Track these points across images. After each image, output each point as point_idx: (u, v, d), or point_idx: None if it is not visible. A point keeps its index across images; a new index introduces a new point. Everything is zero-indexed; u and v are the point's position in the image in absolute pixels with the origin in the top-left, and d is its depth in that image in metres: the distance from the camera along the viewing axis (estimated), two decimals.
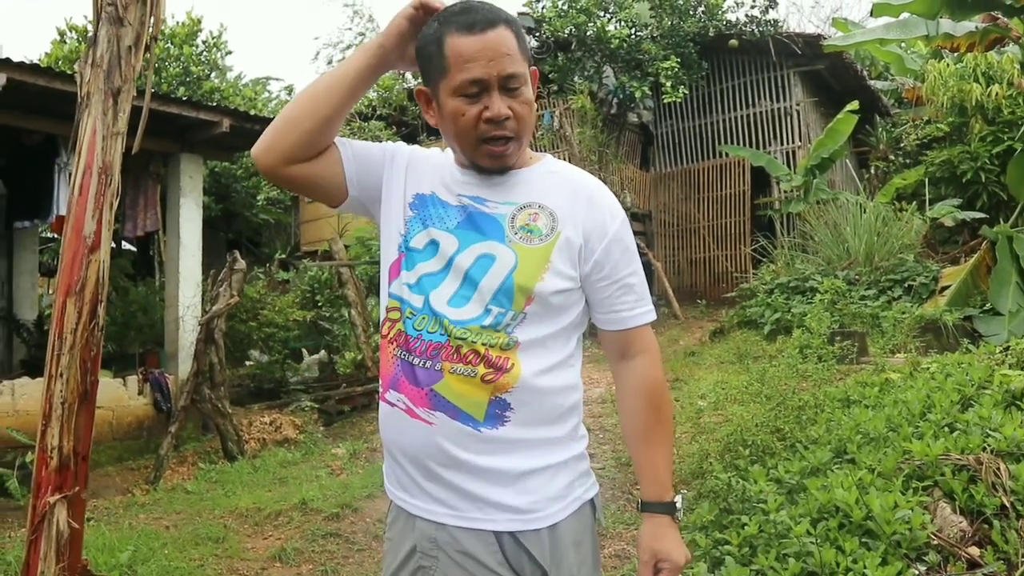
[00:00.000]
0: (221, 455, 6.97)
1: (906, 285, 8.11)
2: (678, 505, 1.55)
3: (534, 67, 1.55)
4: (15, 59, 6.19)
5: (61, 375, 2.54)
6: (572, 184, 1.57)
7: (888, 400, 4.21)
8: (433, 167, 1.60)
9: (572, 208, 1.52)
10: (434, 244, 1.50)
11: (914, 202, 10.04)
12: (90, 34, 2.57)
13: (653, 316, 1.60)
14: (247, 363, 10.18)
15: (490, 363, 1.43)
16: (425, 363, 1.45)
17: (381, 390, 1.54)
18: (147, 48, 2.59)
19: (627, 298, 1.56)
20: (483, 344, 1.43)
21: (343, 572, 3.91)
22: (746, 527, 3.13)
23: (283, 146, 1.52)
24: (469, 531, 1.45)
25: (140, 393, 7.65)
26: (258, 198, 15.22)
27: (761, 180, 12.98)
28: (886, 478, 3.16)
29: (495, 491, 1.45)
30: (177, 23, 14.84)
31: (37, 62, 7.01)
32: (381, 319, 1.56)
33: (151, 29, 2.59)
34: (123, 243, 12.65)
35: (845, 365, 5.63)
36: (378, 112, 14.36)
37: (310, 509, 4.75)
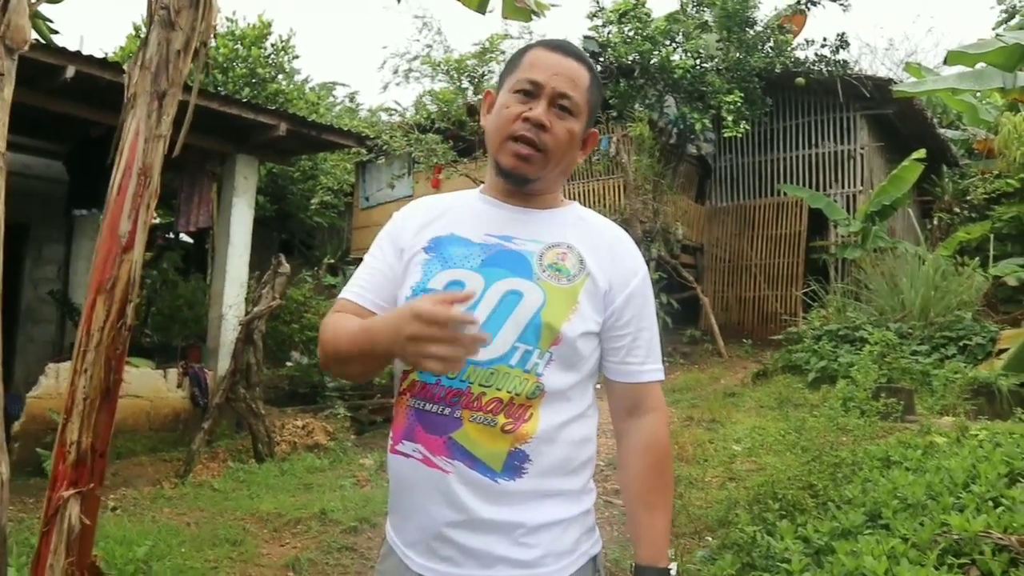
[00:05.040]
0: (251, 455, 7.01)
1: (961, 344, 7.83)
2: (672, 572, 1.48)
3: (594, 130, 1.58)
4: (97, 52, 6.37)
5: (86, 371, 2.53)
6: (599, 231, 1.57)
7: (931, 465, 4.02)
8: (447, 209, 1.59)
9: (598, 254, 1.51)
10: (458, 284, 1.46)
11: (977, 258, 9.73)
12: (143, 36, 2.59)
13: (662, 375, 1.57)
14: (288, 364, 10.27)
15: (511, 413, 1.39)
16: (443, 410, 1.41)
17: (392, 443, 1.50)
18: (196, 53, 2.60)
19: (639, 352, 1.53)
20: (508, 391, 1.39)
21: None
22: None
23: (341, 376, 1.57)
24: None
25: (179, 386, 7.76)
26: (312, 201, 15.42)
27: (818, 222, 12.71)
28: (920, 550, 3.00)
29: (503, 546, 1.41)
30: (248, 25, 15.16)
31: (106, 56, 7.18)
32: (397, 377, 1.53)
33: (202, 34, 2.60)
34: (180, 235, 12.92)
35: (889, 422, 5.44)
36: (436, 125, 14.45)
37: (329, 520, 4.73)
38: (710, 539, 4.13)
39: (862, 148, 12.71)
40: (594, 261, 1.49)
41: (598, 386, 1.60)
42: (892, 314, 8.89)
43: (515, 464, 1.40)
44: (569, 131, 1.49)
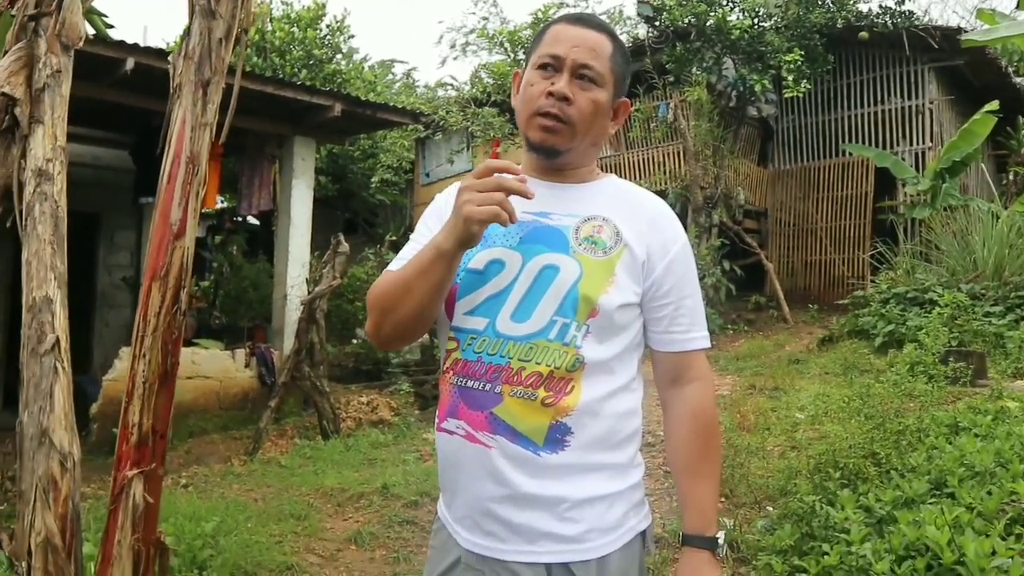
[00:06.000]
0: (318, 431, 7.19)
1: None
2: (720, 541, 1.49)
3: (625, 99, 1.58)
4: (160, 42, 6.54)
5: (144, 356, 2.61)
6: (636, 202, 1.57)
7: (1001, 431, 3.90)
8: None
9: (635, 224, 1.51)
10: (498, 263, 1.49)
11: None
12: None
13: (707, 343, 1.56)
14: (353, 341, 10.46)
15: (551, 386, 1.41)
16: (484, 386, 1.43)
17: (438, 421, 1.52)
18: (237, 41, 2.64)
19: (683, 320, 1.53)
20: (547, 365, 1.41)
21: (414, 560, 3.95)
22: (826, 556, 2.98)
23: (389, 341, 1.56)
24: (519, 562, 1.44)
25: (247, 366, 7.99)
26: (373, 180, 15.57)
27: (885, 182, 12.28)
28: (986, 519, 2.92)
29: (547, 521, 1.42)
30: (302, 7, 15.30)
31: (165, 47, 7.35)
32: (442, 359, 1.54)
33: (242, 22, 2.64)
34: (248, 218, 13.22)
35: (958, 387, 5.26)
36: (493, 98, 14.42)
37: (391, 494, 4.83)
38: (770, 509, 4.08)
39: (931, 102, 12.22)
40: (631, 232, 1.49)
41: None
42: (964, 274, 8.57)
43: (557, 437, 1.41)
44: (593, 101, 1.49)
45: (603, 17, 15.84)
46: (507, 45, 15.31)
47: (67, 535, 2.56)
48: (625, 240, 1.48)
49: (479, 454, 1.43)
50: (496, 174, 1.34)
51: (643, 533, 1.52)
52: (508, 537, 1.43)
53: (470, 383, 1.44)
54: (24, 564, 2.43)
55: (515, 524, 1.42)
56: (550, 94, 1.47)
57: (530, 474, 1.41)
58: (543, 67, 1.50)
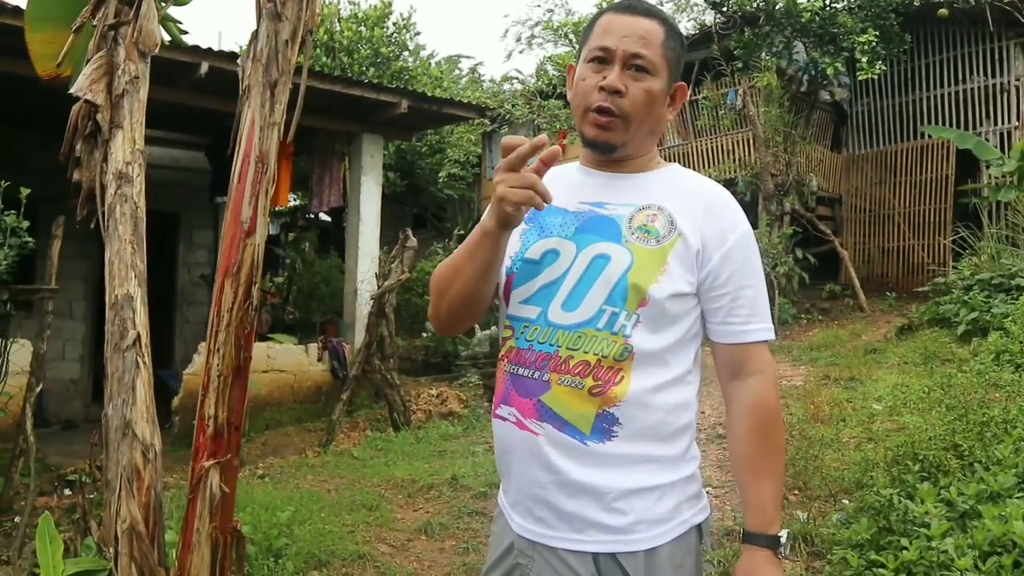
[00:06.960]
0: (389, 423, 7.31)
1: None
2: (783, 540, 1.45)
3: (681, 83, 1.55)
4: (235, 46, 6.74)
5: (218, 350, 2.68)
6: (694, 190, 1.54)
7: None
8: (547, 182, 1.49)
9: (691, 213, 1.48)
10: (553, 253, 1.50)
11: None
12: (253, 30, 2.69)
13: (771, 335, 1.51)
14: (423, 334, 10.59)
15: (599, 375, 1.41)
16: (533, 374, 1.45)
17: (493, 407, 1.55)
18: (303, 42, 2.69)
19: (741, 311, 1.48)
20: (594, 354, 1.41)
21: (483, 551, 3.98)
22: (905, 551, 2.89)
23: (447, 325, 1.60)
24: (568, 550, 1.44)
25: (319, 360, 8.16)
26: (440, 174, 15.71)
27: (967, 164, 11.79)
28: None
29: (594, 510, 1.42)
30: (369, 6, 15.51)
31: (237, 50, 7.55)
32: (500, 346, 1.57)
33: (307, 23, 2.69)
34: (320, 215, 13.49)
35: None
36: (558, 91, 14.38)
37: (460, 485, 4.88)
38: (846, 502, 3.99)
39: (1017, 79, 11.66)
40: (686, 221, 1.47)
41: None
42: None
43: (604, 427, 1.41)
44: (647, 91, 1.47)
45: (668, 5, 15.67)
46: (572, 37, 15.26)
47: (150, 523, 2.65)
48: (679, 229, 1.46)
49: (528, 441, 1.45)
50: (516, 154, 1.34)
51: (699, 526, 1.50)
52: (557, 524, 1.44)
53: (521, 371, 1.46)
54: (111, 549, 2.53)
55: (564, 511, 1.43)
56: (602, 88, 1.46)
57: (577, 461, 1.42)
58: (594, 60, 1.49)
